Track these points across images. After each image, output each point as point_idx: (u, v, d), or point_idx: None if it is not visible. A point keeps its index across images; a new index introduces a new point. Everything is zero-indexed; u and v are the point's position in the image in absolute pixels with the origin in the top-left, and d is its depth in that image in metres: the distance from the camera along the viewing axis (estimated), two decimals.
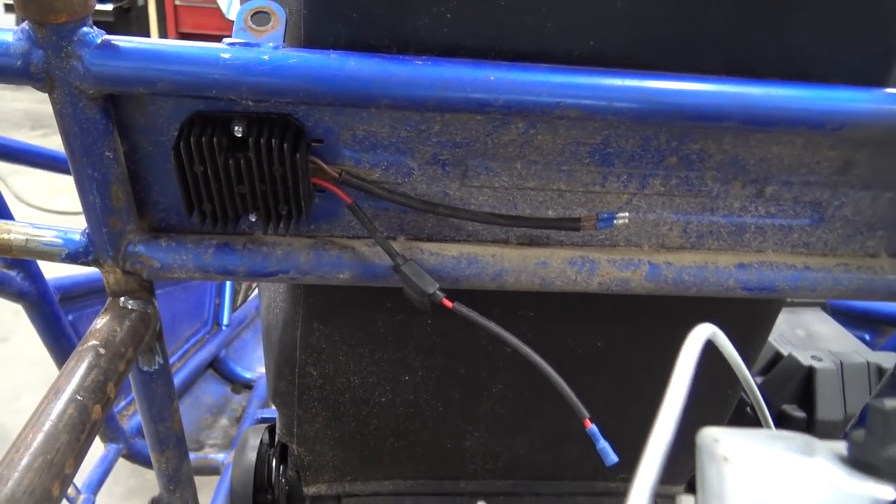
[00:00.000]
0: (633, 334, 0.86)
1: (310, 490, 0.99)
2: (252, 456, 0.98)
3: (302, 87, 0.57)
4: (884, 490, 0.38)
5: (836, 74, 0.63)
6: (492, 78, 0.58)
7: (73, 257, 0.68)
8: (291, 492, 0.99)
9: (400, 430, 0.93)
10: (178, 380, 1.55)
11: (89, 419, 0.58)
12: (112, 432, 1.35)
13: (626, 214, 0.67)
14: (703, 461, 0.40)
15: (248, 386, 1.72)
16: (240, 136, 0.61)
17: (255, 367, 1.80)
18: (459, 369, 0.87)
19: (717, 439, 0.40)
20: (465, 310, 0.65)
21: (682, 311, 0.68)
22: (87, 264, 0.69)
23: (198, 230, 0.69)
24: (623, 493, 1.01)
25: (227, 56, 0.56)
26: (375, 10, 0.58)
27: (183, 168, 0.62)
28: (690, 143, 0.66)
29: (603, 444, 0.60)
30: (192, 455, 1.36)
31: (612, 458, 0.61)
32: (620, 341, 0.86)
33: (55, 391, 0.59)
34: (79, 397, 0.59)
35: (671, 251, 0.73)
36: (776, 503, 0.37)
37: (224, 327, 1.76)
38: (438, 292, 0.65)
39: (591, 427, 0.60)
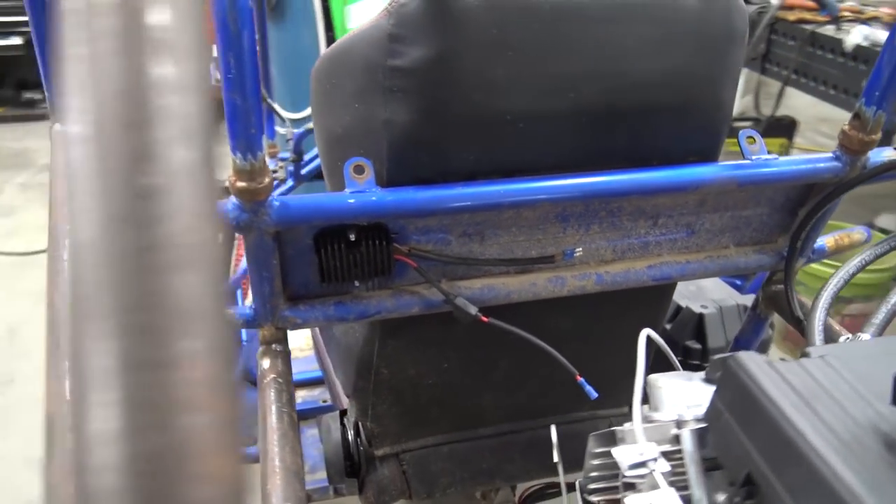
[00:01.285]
0: (589, 316, 1.32)
1: (378, 452, 1.42)
2: (337, 434, 1.39)
3: (391, 211, 0.99)
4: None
5: (691, 154, 1.10)
6: (499, 190, 1.01)
7: (247, 324, 1.08)
8: (367, 455, 1.41)
9: (440, 400, 1.37)
10: None
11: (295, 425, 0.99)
12: None
13: (580, 249, 1.13)
14: (651, 387, 0.84)
15: None
16: (353, 239, 1.02)
17: None
18: (481, 355, 1.31)
19: (657, 379, 0.85)
20: (494, 321, 1.09)
21: (619, 297, 1.14)
22: (254, 327, 1.09)
23: (321, 295, 1.10)
24: (591, 419, 1.49)
25: (351, 201, 0.97)
26: (428, 162, 1.00)
27: (321, 260, 1.02)
28: (612, 204, 1.12)
29: (588, 388, 1.06)
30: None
31: (594, 394, 1.06)
32: (583, 321, 1.32)
33: (263, 410, 1.00)
34: (284, 411, 1.00)
35: (607, 264, 1.19)
36: (681, 395, 0.82)
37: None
38: (478, 313, 1.09)
39: (581, 380, 1.06)
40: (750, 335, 1.41)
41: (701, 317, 1.58)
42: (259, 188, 0.91)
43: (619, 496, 0.79)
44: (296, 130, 2.30)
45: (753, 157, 1.12)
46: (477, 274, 1.15)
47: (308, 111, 3.60)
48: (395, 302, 1.11)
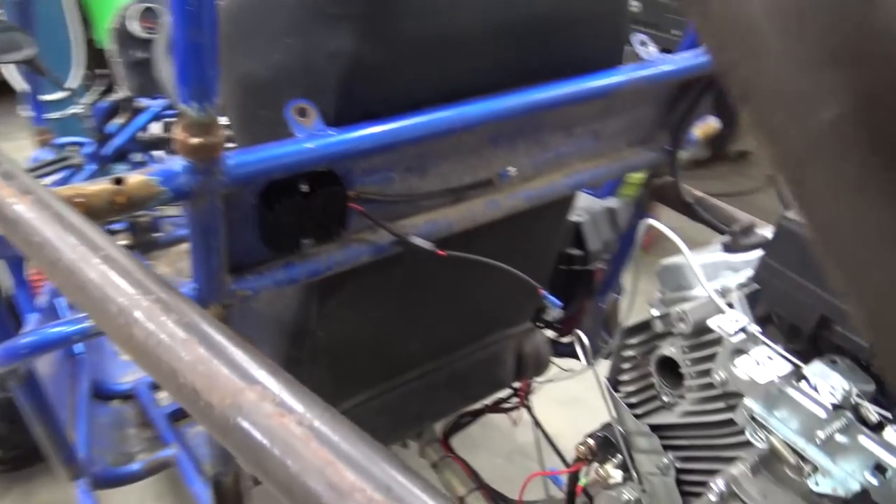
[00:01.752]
0: (503, 239, 1.33)
1: None
2: None
3: (350, 152, 0.91)
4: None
5: (601, 61, 1.15)
6: (448, 115, 0.97)
7: None
8: None
9: (374, 353, 1.32)
10: None
11: None
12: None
13: (513, 168, 1.13)
14: (669, 271, 0.88)
15: (127, 396, 1.87)
16: (307, 190, 0.92)
17: (122, 376, 1.93)
18: (413, 297, 1.27)
19: (674, 261, 0.89)
20: (452, 252, 1.07)
21: (527, 217, 1.17)
22: None
23: (266, 260, 0.99)
24: (502, 340, 1.53)
25: (309, 145, 0.87)
26: (378, 94, 0.93)
27: (269, 220, 0.92)
28: (537, 119, 1.13)
29: (550, 298, 1.08)
30: (138, 463, 1.58)
31: (557, 303, 1.09)
32: (497, 245, 1.33)
33: None
34: None
35: (532, 180, 1.21)
36: (710, 271, 0.88)
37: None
38: (434, 247, 1.06)
39: (543, 292, 1.08)
40: (635, 228, 1.53)
41: (578, 225, 1.68)
42: (215, 142, 0.79)
43: (647, 385, 0.84)
44: (87, 104, 2.00)
45: (647, 59, 1.20)
46: (417, 210, 1.11)
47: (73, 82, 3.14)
48: (344, 254, 1.03)
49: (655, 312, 0.80)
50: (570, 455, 2.34)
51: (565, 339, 1.77)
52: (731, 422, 0.72)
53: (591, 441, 0.92)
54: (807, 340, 0.66)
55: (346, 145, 0.90)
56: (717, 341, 0.73)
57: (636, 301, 1.36)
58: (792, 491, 0.65)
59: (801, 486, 0.65)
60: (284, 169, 0.87)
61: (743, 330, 0.66)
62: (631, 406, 0.83)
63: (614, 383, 0.86)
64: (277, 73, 0.92)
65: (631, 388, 0.83)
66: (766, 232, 0.78)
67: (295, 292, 1.15)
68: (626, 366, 0.83)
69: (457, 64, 0.97)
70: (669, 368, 0.80)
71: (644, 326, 0.81)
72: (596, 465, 0.91)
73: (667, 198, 1.42)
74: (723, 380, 0.69)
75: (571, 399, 1.91)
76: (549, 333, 1.73)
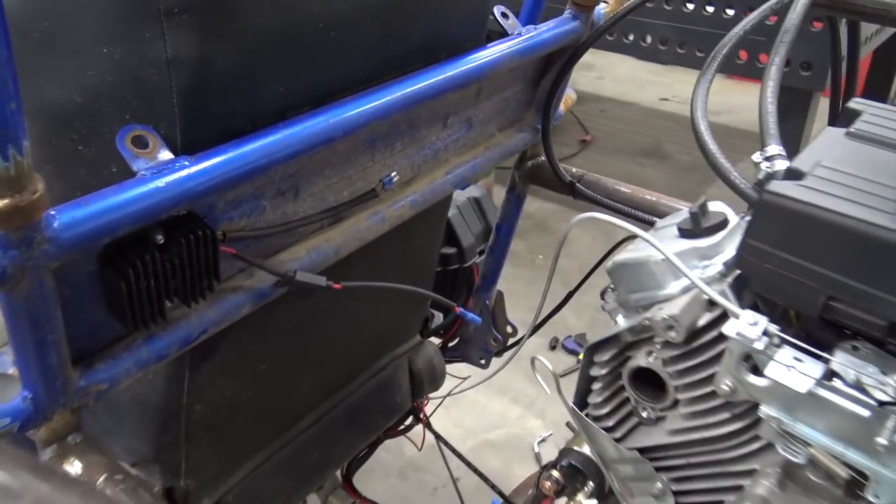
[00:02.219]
0: (382, 254, 1.17)
1: None
2: None
3: (214, 186, 0.71)
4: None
5: (467, 40, 1.02)
6: (324, 121, 0.80)
7: (27, 425, 0.69)
8: None
9: (260, 411, 1.11)
10: None
11: None
12: None
13: (394, 172, 0.98)
14: (620, 271, 0.76)
15: None
16: (162, 241, 0.71)
17: None
18: (298, 338, 1.08)
19: (624, 259, 0.78)
20: (349, 283, 0.90)
21: (405, 225, 1.03)
22: (37, 425, 0.71)
23: (120, 337, 0.76)
24: (392, 362, 1.37)
25: (160, 184, 0.66)
26: (234, 104, 0.74)
27: (120, 287, 0.70)
28: (412, 113, 0.98)
29: (470, 315, 0.95)
30: None
31: (477, 319, 0.96)
32: (378, 260, 1.17)
33: None
34: None
35: (413, 184, 1.06)
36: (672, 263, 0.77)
37: None
38: (329, 282, 0.88)
39: (460, 310, 0.94)
40: (511, 216, 1.44)
41: (448, 221, 1.56)
42: (31, 202, 0.56)
43: (622, 402, 0.73)
44: None
45: (512, 32, 1.10)
46: (296, 240, 0.92)
47: None
48: (220, 309, 0.83)
49: (622, 322, 0.70)
50: (477, 460, 2.26)
51: (452, 344, 1.65)
52: (736, 433, 0.63)
53: (556, 473, 0.80)
54: (812, 326, 0.58)
55: (207, 177, 0.70)
56: (711, 345, 0.63)
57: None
58: (826, 499, 0.58)
59: (832, 492, 0.58)
60: (131, 220, 0.65)
61: (765, 332, 0.57)
62: (608, 430, 0.72)
63: (582, 406, 0.74)
64: (94, 95, 0.70)
65: (604, 410, 0.72)
66: (721, 209, 0.70)
67: (159, 367, 0.92)
68: (595, 386, 0.72)
69: (322, 56, 0.80)
70: (645, 380, 0.70)
71: (612, 340, 0.70)
72: (564, 499, 0.80)
73: (543, 179, 1.33)
74: (731, 389, 0.60)
75: (453, 400, 1.81)
76: (436, 340, 1.60)
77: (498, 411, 2.39)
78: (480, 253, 1.59)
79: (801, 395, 0.53)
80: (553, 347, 2.68)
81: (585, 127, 4.24)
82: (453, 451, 1.58)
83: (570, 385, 2.59)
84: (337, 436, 1.32)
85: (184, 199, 0.68)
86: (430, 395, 1.57)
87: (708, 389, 0.63)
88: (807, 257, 0.57)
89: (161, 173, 0.67)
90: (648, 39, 2.66)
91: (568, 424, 2.32)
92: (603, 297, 0.76)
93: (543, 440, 2.27)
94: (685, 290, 0.65)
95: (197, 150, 0.72)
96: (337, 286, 0.88)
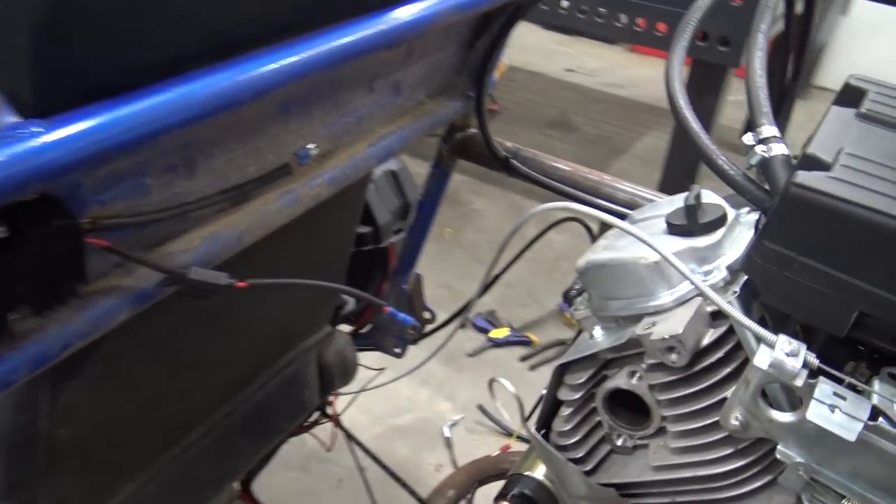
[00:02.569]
0: (296, 238, 1.01)
1: None
2: None
3: (74, 159, 0.53)
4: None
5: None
6: (228, 78, 0.63)
7: None
8: None
9: (142, 427, 0.93)
10: None
11: None
12: None
13: (312, 144, 0.82)
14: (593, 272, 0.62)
15: None
16: (6, 235, 0.53)
17: None
18: (191, 342, 0.91)
19: (597, 256, 0.66)
20: (255, 281, 0.73)
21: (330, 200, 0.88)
22: None
23: None
24: (299, 355, 1.22)
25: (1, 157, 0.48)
26: (104, 51, 0.55)
27: None
28: (335, 74, 0.82)
29: (402, 316, 0.81)
30: None
31: (409, 320, 0.82)
32: (290, 246, 1.00)
33: None
34: None
35: (332, 157, 0.90)
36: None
37: None
38: (231, 280, 0.71)
39: (391, 309, 0.80)
40: (435, 192, 1.30)
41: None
42: None
43: (593, 428, 0.61)
44: None
45: None
46: (190, 226, 0.75)
47: None
48: (88, 318, 0.65)
49: (601, 337, 0.58)
50: (385, 448, 2.12)
51: (364, 331, 1.51)
52: (737, 471, 0.53)
53: None
54: (835, 348, 0.49)
55: (67, 148, 0.52)
56: (715, 369, 0.52)
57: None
58: None
59: None
60: None
61: (804, 364, 0.46)
62: (577, 461, 0.60)
63: (545, 432, 0.62)
64: None
65: (573, 438, 0.60)
66: (714, 200, 0.59)
67: (11, 391, 0.73)
68: (564, 411, 0.60)
69: None
70: (621, 401, 0.58)
71: (589, 359, 0.58)
72: None
73: (473, 153, 1.20)
74: (742, 424, 0.49)
75: (358, 384, 1.67)
76: (346, 328, 1.45)
77: (406, 395, 2.27)
78: (397, 232, 1.45)
79: (835, 441, 0.44)
80: (463, 326, 2.58)
81: (493, 96, 4.14)
82: (360, 445, 1.44)
83: (481, 368, 2.50)
84: (235, 445, 1.15)
85: (34, 178, 0.50)
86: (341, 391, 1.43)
87: (708, 421, 0.53)
88: (839, 265, 0.47)
89: (1, 143, 0.49)
90: (565, 4, 2.56)
91: (480, 407, 2.24)
92: (567, 300, 0.64)
93: (454, 424, 2.17)
94: (680, 301, 0.54)
95: (54, 112, 0.53)
96: (241, 285, 0.72)
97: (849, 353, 0.52)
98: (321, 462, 2.05)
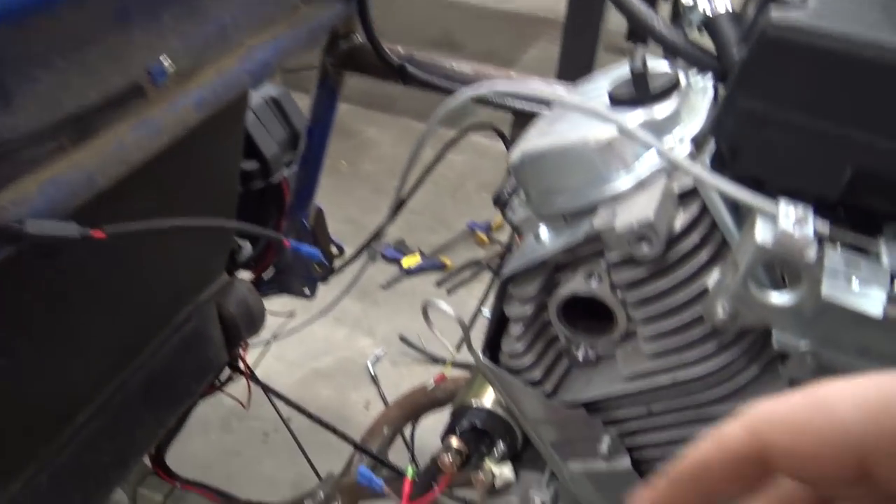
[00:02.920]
0: (164, 175, 0.86)
1: None
2: None
3: None
4: None
5: None
6: None
7: None
8: None
9: (15, 419, 0.79)
10: None
11: None
12: None
13: (167, 60, 0.67)
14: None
15: None
16: None
17: None
18: (58, 314, 0.76)
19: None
20: (118, 227, 0.59)
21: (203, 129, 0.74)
22: None
23: None
24: (197, 310, 1.08)
25: None
26: None
27: None
28: None
29: (306, 249, 0.69)
30: None
31: (315, 253, 0.70)
32: (159, 185, 0.86)
33: None
34: None
35: (194, 77, 0.75)
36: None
37: None
38: (84, 230, 0.57)
39: (292, 243, 0.68)
40: (325, 116, 1.17)
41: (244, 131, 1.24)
42: None
43: (548, 344, 0.52)
44: None
45: None
46: (18, 171, 0.59)
47: None
48: None
49: (547, 238, 0.47)
50: (308, 394, 2.01)
51: (267, 276, 1.38)
52: (722, 369, 0.46)
53: (456, 442, 0.60)
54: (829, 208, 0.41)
55: None
56: (690, 257, 0.44)
57: None
58: None
59: None
60: None
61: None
62: (534, 384, 0.52)
63: (493, 355, 0.53)
64: None
65: (528, 359, 0.51)
66: (660, 65, 0.49)
67: None
68: (514, 330, 0.51)
69: None
70: (578, 310, 0.50)
71: (537, 267, 0.48)
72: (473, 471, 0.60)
73: (363, 63, 1.06)
74: (731, 314, 0.41)
75: (270, 332, 1.55)
76: (247, 276, 1.32)
77: (322, 336, 2.16)
78: (288, 165, 1.30)
79: (867, 318, 0.36)
80: (373, 258, 2.47)
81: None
82: (280, 396, 1.33)
83: (397, 299, 2.41)
84: (136, 418, 1.02)
85: None
86: (251, 341, 1.30)
87: (686, 318, 0.45)
88: (828, 113, 0.39)
89: None
90: None
91: (402, 338, 2.16)
92: (500, 204, 0.55)
93: (377, 359, 2.09)
94: (640, 185, 0.45)
95: None
96: (98, 234, 0.58)
97: (835, 221, 0.44)
98: (242, 419, 1.93)
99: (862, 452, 0.25)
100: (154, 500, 1.16)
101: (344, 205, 2.71)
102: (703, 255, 0.44)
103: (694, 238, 0.44)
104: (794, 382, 0.45)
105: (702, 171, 0.40)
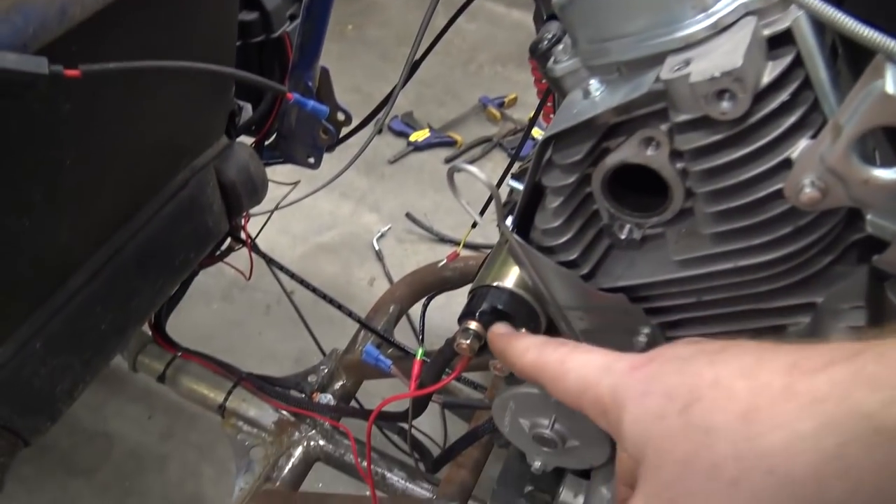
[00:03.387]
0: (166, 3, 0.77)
1: None
2: None
3: None
4: None
5: None
6: None
7: None
8: None
9: (3, 280, 0.74)
10: None
11: None
12: None
13: None
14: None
15: None
16: None
17: None
18: (42, 181, 0.69)
19: None
20: (97, 66, 0.51)
21: None
22: None
23: None
24: (199, 172, 1.01)
25: None
26: None
27: None
28: None
29: (312, 104, 0.61)
30: None
31: (322, 108, 0.62)
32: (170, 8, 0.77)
33: None
34: None
35: None
36: None
37: None
38: (54, 67, 0.49)
39: (295, 96, 0.60)
40: None
41: None
42: None
43: (587, 222, 0.45)
44: None
45: None
46: None
47: None
48: None
49: (598, 93, 0.39)
50: (311, 268, 1.97)
51: (270, 142, 1.29)
52: (796, 254, 0.39)
53: (474, 325, 0.54)
54: None
55: None
56: (775, 118, 0.36)
57: None
58: None
59: None
60: None
61: None
62: (569, 265, 0.45)
63: (523, 232, 0.46)
64: None
65: (565, 236, 0.44)
66: None
67: None
68: (552, 202, 0.44)
69: None
70: (623, 183, 0.42)
71: (584, 128, 0.40)
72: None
73: None
74: (821, 192, 0.34)
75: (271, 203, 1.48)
76: (248, 140, 1.24)
77: (327, 210, 2.11)
78: (291, 19, 1.19)
79: None
80: (380, 130, 2.38)
81: None
82: (282, 269, 1.29)
83: (404, 174, 2.33)
84: (132, 286, 0.97)
85: None
86: (252, 211, 1.24)
87: (760, 194, 0.38)
88: None
89: None
90: None
91: (408, 216, 2.10)
92: (537, 55, 0.46)
93: (382, 235, 2.04)
94: (718, 28, 0.36)
95: None
96: (71, 73, 0.50)
97: None
98: (244, 290, 1.90)
99: (577, 405, 0.41)
100: (154, 369, 1.14)
101: (349, 72, 2.58)
102: (792, 118, 0.36)
103: (783, 96, 0.36)
104: (880, 276, 0.38)
105: (820, 3, 0.32)
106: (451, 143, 2.29)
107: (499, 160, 2.26)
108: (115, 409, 1.63)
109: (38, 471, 1.50)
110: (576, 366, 0.41)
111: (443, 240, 2.00)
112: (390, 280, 1.92)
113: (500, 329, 0.52)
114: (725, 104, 0.35)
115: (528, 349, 0.45)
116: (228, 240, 1.28)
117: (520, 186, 0.51)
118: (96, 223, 0.87)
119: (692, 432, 0.32)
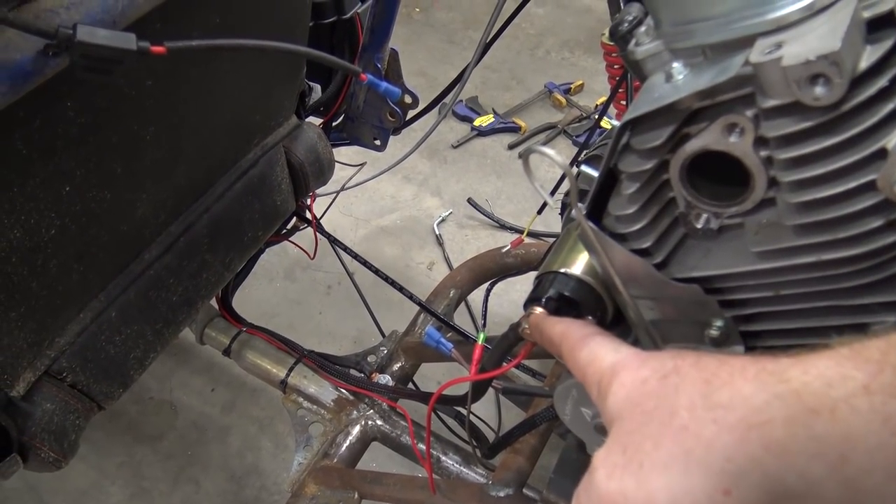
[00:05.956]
0: None
1: (15, 391, 0.79)
2: None
3: None
4: None
5: None
6: None
7: None
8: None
9: (83, 249, 0.77)
10: None
11: None
12: None
13: None
14: None
15: None
16: None
17: None
18: (118, 140, 0.71)
19: None
20: (184, 43, 0.53)
21: None
22: None
23: None
24: (265, 153, 1.03)
25: None
26: None
27: None
28: None
29: (385, 86, 0.61)
30: None
31: (395, 90, 0.62)
32: None
33: None
34: None
35: None
36: None
37: None
38: (142, 43, 0.51)
39: (369, 77, 0.60)
40: None
41: None
42: None
43: (663, 209, 0.43)
44: None
45: None
46: None
47: None
48: None
49: (682, 77, 0.38)
50: (372, 250, 1.99)
51: (337, 123, 1.31)
52: (882, 250, 0.37)
53: (539, 311, 0.54)
54: None
55: None
56: (869, 106, 0.34)
57: None
58: None
59: None
60: None
61: None
62: (642, 253, 0.44)
63: (597, 218, 0.45)
64: None
65: (640, 223, 0.43)
66: None
67: None
68: (628, 188, 0.43)
69: None
70: (700, 171, 0.41)
71: (666, 113, 0.39)
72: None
73: None
74: None
75: (335, 185, 1.49)
76: (316, 121, 1.25)
77: (389, 193, 2.12)
78: (363, 0, 1.20)
79: None
80: (444, 115, 2.38)
81: None
82: (345, 249, 1.30)
83: (467, 159, 2.32)
84: (203, 260, 1.00)
85: None
86: (318, 192, 1.26)
87: (850, 185, 0.36)
88: None
89: None
90: None
91: (470, 201, 2.10)
92: (618, 36, 0.45)
93: (443, 220, 2.04)
94: (813, 10, 0.35)
95: None
96: (158, 49, 0.51)
97: None
98: (306, 269, 1.94)
99: (581, 375, 0.46)
100: (220, 342, 1.17)
101: (415, 55, 2.58)
102: (891, 105, 0.35)
103: (881, 82, 0.34)
104: None
105: None
106: (516, 129, 2.27)
107: (563, 147, 2.23)
108: (180, 380, 1.68)
109: (107, 435, 1.57)
110: (594, 343, 0.46)
111: (503, 226, 2.00)
112: (449, 265, 1.92)
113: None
114: (819, 89, 0.33)
115: (561, 321, 0.52)
116: (294, 219, 1.31)
117: (591, 171, 0.50)
118: (171, 198, 0.90)
119: (664, 389, 0.38)
